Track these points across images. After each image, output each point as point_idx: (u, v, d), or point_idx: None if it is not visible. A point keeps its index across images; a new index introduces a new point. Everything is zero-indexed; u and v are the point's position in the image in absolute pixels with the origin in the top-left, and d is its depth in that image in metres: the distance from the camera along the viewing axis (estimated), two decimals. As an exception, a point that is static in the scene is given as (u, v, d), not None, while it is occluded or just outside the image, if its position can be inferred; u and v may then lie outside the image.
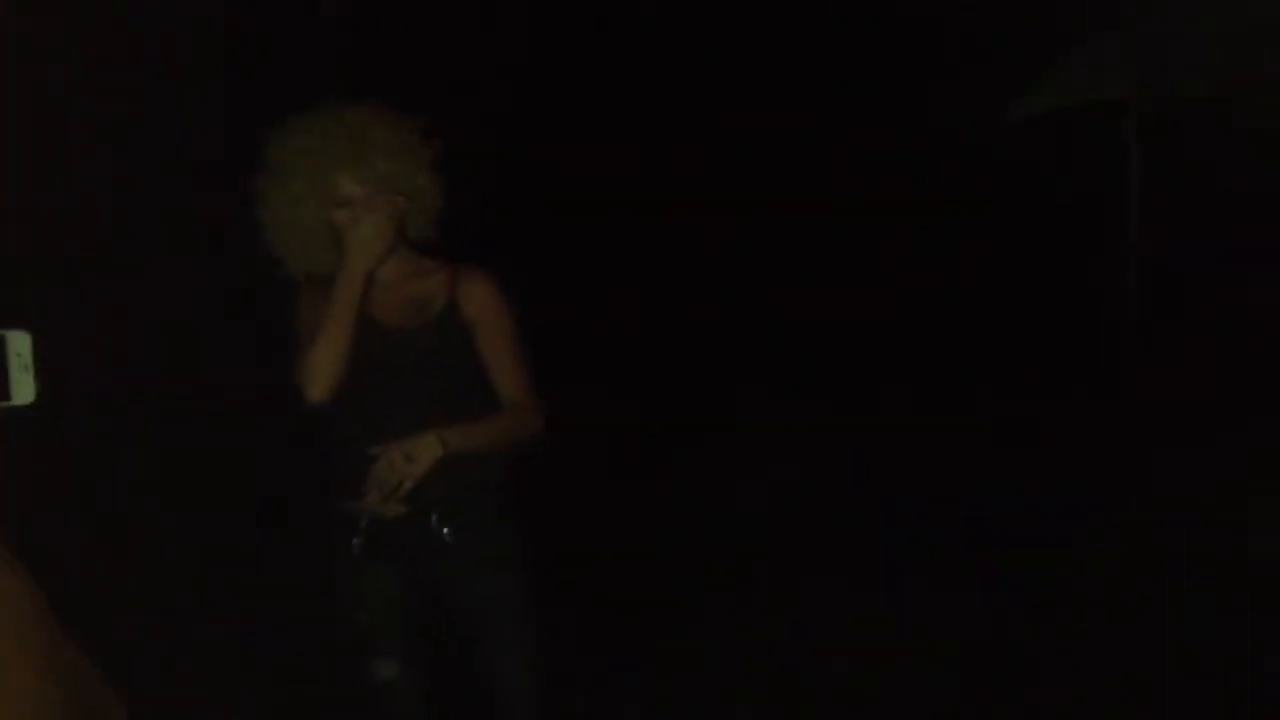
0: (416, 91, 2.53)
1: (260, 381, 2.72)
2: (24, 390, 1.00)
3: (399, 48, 4.56)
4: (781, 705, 3.68)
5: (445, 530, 2.40)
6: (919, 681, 3.74)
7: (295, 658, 3.24)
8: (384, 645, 2.44)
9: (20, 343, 0.99)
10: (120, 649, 1.16)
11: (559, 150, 7.42)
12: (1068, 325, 7.68)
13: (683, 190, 8.80)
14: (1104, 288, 7.37)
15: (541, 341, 2.57)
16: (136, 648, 2.43)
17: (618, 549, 4.78)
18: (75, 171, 2.69)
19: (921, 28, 8.60)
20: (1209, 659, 3.64)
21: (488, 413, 2.41)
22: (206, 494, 3.20)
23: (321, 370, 2.32)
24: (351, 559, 2.41)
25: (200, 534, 3.17)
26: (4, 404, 0.98)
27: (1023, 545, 4.72)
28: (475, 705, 2.53)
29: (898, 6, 8.71)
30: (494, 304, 2.44)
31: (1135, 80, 6.87)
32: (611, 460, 5.72)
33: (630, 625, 4.22)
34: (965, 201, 8.91)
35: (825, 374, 7.58)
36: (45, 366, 0.99)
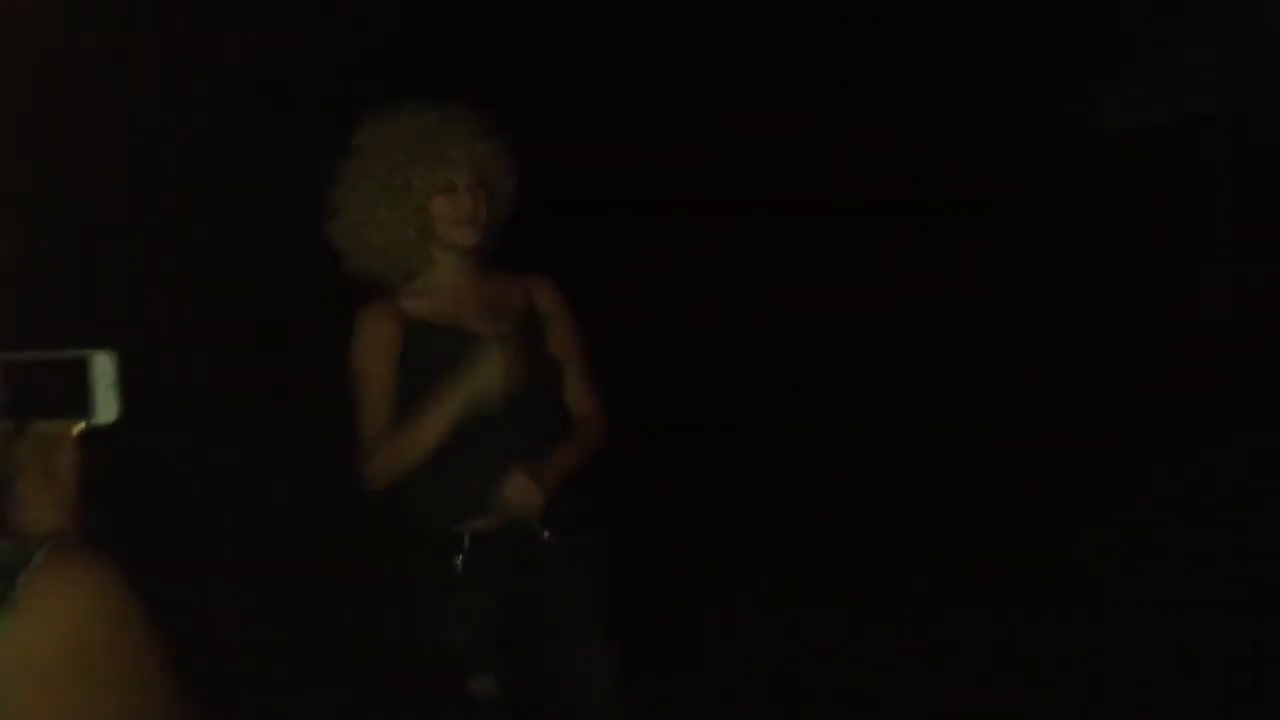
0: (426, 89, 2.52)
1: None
2: (108, 409, 1.03)
3: (396, 50, 4.57)
4: (781, 705, 3.68)
5: (546, 533, 2.39)
6: (923, 683, 3.74)
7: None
8: (479, 663, 2.35)
9: (105, 363, 1.03)
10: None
11: (564, 151, 7.43)
12: (1146, 332, 7.76)
13: (732, 192, 8.83)
14: (1192, 295, 7.47)
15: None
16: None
17: (618, 550, 4.77)
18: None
19: (1005, 36, 8.65)
20: (1209, 659, 3.64)
21: (559, 418, 2.43)
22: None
23: (396, 473, 2.29)
24: (451, 578, 2.33)
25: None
26: (90, 422, 1.03)
27: (1045, 548, 4.73)
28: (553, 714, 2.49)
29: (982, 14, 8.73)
30: (565, 307, 2.47)
31: (1220, 90, 6.91)
32: (611, 461, 5.71)
33: (631, 626, 4.22)
34: (1045, 206, 8.96)
35: (845, 375, 7.60)
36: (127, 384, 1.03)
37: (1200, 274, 7.73)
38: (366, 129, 2.36)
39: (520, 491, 2.30)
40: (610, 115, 8.27)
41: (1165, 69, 7.44)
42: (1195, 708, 3.42)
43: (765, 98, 9.13)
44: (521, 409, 2.32)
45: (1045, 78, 8.53)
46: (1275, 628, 3.75)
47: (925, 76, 9.15)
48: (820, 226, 9.14)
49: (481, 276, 2.42)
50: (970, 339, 8.19)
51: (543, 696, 2.45)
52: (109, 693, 0.85)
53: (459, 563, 2.33)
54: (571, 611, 2.45)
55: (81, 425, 1.03)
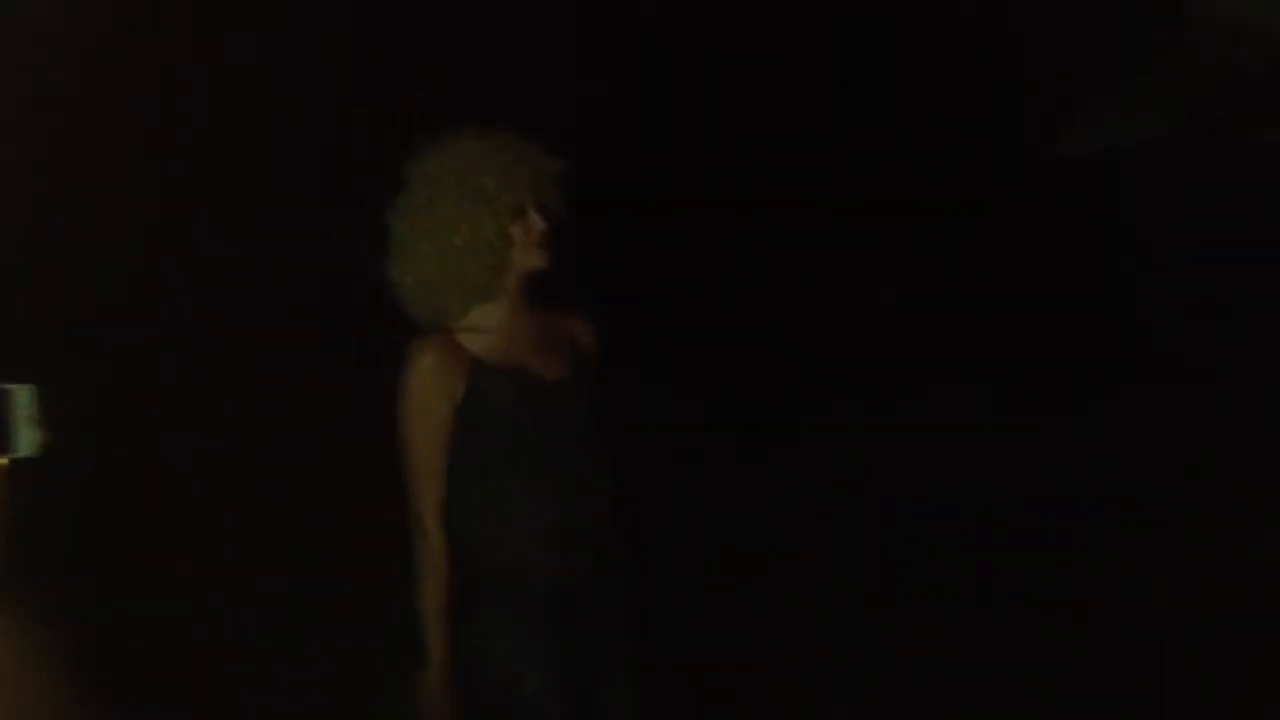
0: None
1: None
2: (28, 442, 1.02)
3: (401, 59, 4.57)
4: (781, 705, 3.68)
5: (603, 570, 2.39)
6: (924, 683, 3.74)
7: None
8: (551, 704, 2.31)
9: (24, 397, 1.02)
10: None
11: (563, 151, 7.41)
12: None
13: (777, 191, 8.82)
14: (1191, 295, 7.52)
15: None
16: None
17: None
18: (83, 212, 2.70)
19: (1007, 39, 8.66)
20: (1209, 659, 3.65)
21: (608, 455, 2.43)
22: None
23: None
24: (531, 621, 2.30)
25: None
26: (9, 456, 1.01)
27: (1045, 548, 4.72)
28: None
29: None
30: (594, 345, 2.49)
31: (1220, 93, 6.95)
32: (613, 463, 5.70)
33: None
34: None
35: (845, 375, 7.58)
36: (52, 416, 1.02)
37: (1198, 274, 7.74)
38: (430, 158, 2.33)
39: None
40: (609, 115, 8.26)
41: (1164, 73, 7.46)
42: (1195, 708, 3.42)
43: (766, 100, 9.13)
44: (584, 449, 2.34)
45: (1046, 80, 8.54)
46: (1275, 628, 3.75)
47: (929, 80, 9.16)
48: (822, 227, 9.12)
49: (531, 309, 2.39)
50: (971, 339, 8.19)
51: None
52: None
53: (540, 606, 2.30)
54: (618, 647, 2.43)
55: (2, 460, 1.02)
